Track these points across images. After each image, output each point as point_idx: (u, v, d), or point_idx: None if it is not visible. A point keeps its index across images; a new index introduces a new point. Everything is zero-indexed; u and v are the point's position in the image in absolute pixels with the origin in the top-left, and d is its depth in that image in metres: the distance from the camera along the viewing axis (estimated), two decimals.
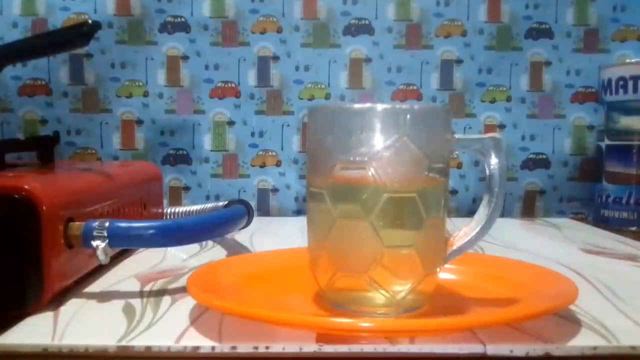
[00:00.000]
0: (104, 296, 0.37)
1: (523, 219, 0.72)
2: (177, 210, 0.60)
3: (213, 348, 0.28)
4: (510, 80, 0.73)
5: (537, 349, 0.28)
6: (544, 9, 0.72)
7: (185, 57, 0.71)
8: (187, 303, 0.35)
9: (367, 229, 0.30)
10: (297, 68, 0.72)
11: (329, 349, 0.28)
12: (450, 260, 0.34)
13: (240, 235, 0.57)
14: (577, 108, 0.74)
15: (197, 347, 0.28)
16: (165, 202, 0.65)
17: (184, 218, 0.54)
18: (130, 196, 0.49)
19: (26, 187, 0.33)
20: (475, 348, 0.28)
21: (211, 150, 0.73)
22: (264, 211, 0.73)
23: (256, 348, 0.28)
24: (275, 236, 0.59)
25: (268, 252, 0.45)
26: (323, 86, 0.72)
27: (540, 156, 0.74)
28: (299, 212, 0.73)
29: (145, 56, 0.71)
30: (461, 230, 0.33)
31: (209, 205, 0.59)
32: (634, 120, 0.64)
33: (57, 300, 0.35)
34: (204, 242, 0.53)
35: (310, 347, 0.28)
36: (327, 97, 0.72)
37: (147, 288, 0.39)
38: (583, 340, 0.29)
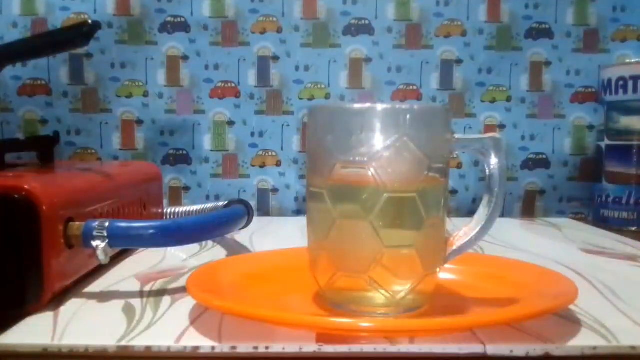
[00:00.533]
0: (104, 296, 0.37)
1: (523, 219, 0.72)
2: (177, 210, 0.60)
3: (213, 348, 0.28)
4: (510, 80, 0.73)
5: (537, 349, 0.28)
6: (543, 9, 0.72)
7: (185, 57, 0.71)
8: (187, 303, 0.35)
9: (367, 229, 0.30)
10: (297, 68, 0.72)
11: (329, 349, 0.28)
12: (450, 260, 0.34)
13: (240, 235, 0.57)
14: (577, 108, 0.74)
15: (197, 347, 0.28)
16: (165, 202, 0.65)
17: (184, 218, 0.54)
18: (130, 196, 0.49)
19: (26, 187, 0.33)
20: (475, 348, 0.28)
21: (211, 150, 0.73)
22: (264, 211, 0.73)
23: (256, 348, 0.28)
24: (275, 236, 0.59)
25: (268, 252, 0.45)
26: (323, 86, 0.72)
27: (540, 156, 0.74)
28: (298, 212, 0.73)
29: (145, 56, 0.71)
30: (461, 230, 0.33)
31: (209, 205, 0.59)
32: (634, 120, 0.64)
33: (57, 300, 0.35)
34: (203, 242, 0.53)
35: (310, 347, 0.28)
36: (327, 97, 0.72)
37: (147, 288, 0.39)
38: (583, 340, 0.29)
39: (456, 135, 0.33)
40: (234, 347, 0.28)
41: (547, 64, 0.73)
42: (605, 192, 0.67)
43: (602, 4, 0.72)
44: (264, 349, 0.28)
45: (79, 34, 0.44)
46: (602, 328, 0.31)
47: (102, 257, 0.35)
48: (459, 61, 0.72)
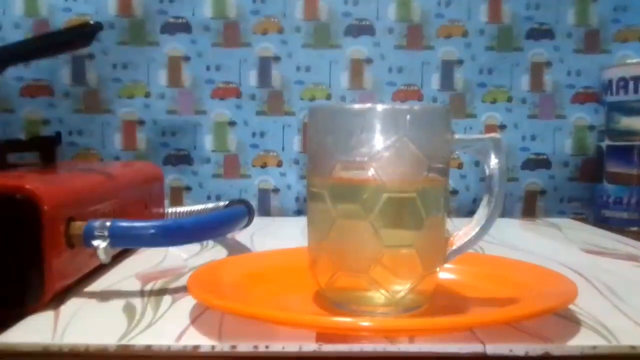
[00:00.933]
0: (104, 295, 0.37)
1: (524, 219, 0.72)
2: (178, 210, 0.60)
3: (213, 347, 0.28)
4: (511, 80, 0.73)
5: (537, 348, 0.28)
6: (544, 10, 0.72)
7: (186, 58, 0.72)
8: (187, 302, 0.35)
9: (368, 228, 0.31)
10: (298, 69, 0.72)
11: (328, 348, 0.28)
12: (450, 260, 0.34)
13: (241, 235, 0.57)
14: (577, 108, 0.74)
15: (197, 346, 0.28)
16: (166, 202, 0.65)
17: (185, 218, 0.54)
18: (131, 196, 0.49)
19: (28, 186, 0.33)
20: (475, 347, 0.28)
21: (212, 151, 0.73)
22: (265, 211, 0.73)
23: (256, 347, 0.28)
24: (275, 236, 0.59)
25: (268, 251, 0.45)
26: (324, 87, 0.72)
27: (541, 156, 0.74)
28: (299, 213, 0.73)
29: (147, 57, 0.71)
30: (461, 230, 0.33)
31: (210, 205, 0.59)
32: (635, 121, 0.64)
33: (58, 299, 0.35)
34: (204, 242, 0.53)
35: (310, 347, 0.28)
36: (328, 97, 0.72)
37: (147, 287, 0.39)
38: (582, 340, 0.29)
39: (456, 136, 0.33)
40: (234, 346, 0.28)
41: (548, 64, 0.73)
42: (606, 192, 0.67)
43: (603, 5, 0.72)
44: (264, 348, 0.28)
45: (81, 34, 0.45)
46: (602, 328, 0.31)
47: (103, 257, 0.35)
48: (459, 62, 0.73)
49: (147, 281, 0.40)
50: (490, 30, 0.72)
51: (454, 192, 0.73)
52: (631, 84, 0.64)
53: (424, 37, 0.72)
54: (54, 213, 0.34)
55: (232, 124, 0.73)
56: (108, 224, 0.36)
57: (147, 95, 0.72)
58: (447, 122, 0.33)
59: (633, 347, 0.28)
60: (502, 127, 0.73)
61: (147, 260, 0.47)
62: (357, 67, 0.72)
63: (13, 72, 0.71)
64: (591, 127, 0.73)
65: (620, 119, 0.65)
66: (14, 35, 0.70)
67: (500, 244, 0.54)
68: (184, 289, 0.37)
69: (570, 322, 0.32)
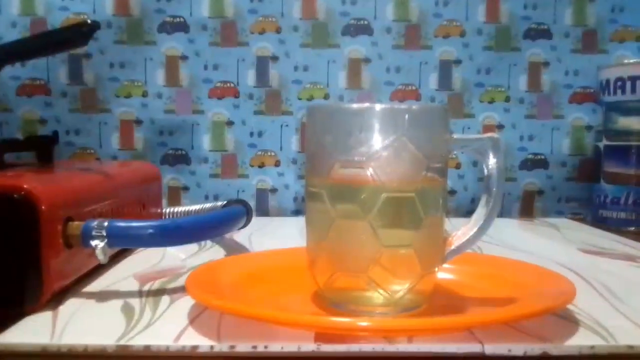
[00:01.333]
0: (103, 296, 0.37)
1: (521, 219, 0.72)
2: (176, 210, 0.60)
3: (212, 347, 0.28)
4: (508, 80, 0.73)
5: (535, 348, 0.28)
6: (542, 10, 0.72)
7: (184, 57, 0.72)
8: (185, 302, 0.35)
9: (366, 228, 0.31)
10: (296, 68, 0.72)
11: (327, 348, 0.28)
12: (449, 260, 0.34)
13: (239, 235, 0.57)
14: (575, 108, 0.74)
15: (196, 347, 0.28)
16: (164, 202, 0.65)
17: (183, 218, 0.54)
18: (129, 196, 0.49)
19: (25, 186, 0.33)
20: (473, 347, 0.28)
21: (210, 150, 0.73)
22: (263, 211, 0.73)
23: (255, 347, 0.28)
24: (273, 236, 0.59)
25: (267, 251, 0.45)
26: (322, 86, 0.72)
27: (539, 156, 0.74)
28: (297, 213, 0.73)
29: (144, 56, 0.71)
30: (459, 230, 0.33)
31: (208, 205, 0.59)
32: (632, 121, 0.64)
33: (56, 299, 0.35)
34: (202, 242, 0.53)
35: (309, 347, 0.28)
36: (326, 97, 0.72)
37: (146, 287, 0.39)
38: (581, 340, 0.29)
39: (454, 135, 0.33)
40: (232, 347, 0.28)
41: (546, 64, 0.73)
42: (604, 192, 0.67)
43: (600, 5, 0.72)
44: (263, 348, 0.28)
45: (78, 34, 0.44)
46: (600, 328, 0.31)
47: (101, 257, 0.35)
48: (457, 61, 0.73)
49: (146, 281, 0.40)
50: (488, 30, 0.72)
51: (452, 192, 0.73)
52: (628, 84, 0.64)
53: (422, 36, 0.72)
54: (51, 213, 0.34)
55: (229, 123, 0.72)
56: (106, 224, 0.36)
57: (145, 94, 0.72)
58: (445, 121, 0.33)
59: (631, 347, 0.29)
60: (500, 127, 0.73)
61: (145, 260, 0.46)
62: (355, 67, 0.72)
63: (10, 71, 0.70)
64: (589, 127, 0.74)
65: (618, 119, 0.65)
66: (11, 34, 0.70)
67: (498, 244, 0.54)
68: (182, 289, 0.37)
69: (569, 322, 0.32)
